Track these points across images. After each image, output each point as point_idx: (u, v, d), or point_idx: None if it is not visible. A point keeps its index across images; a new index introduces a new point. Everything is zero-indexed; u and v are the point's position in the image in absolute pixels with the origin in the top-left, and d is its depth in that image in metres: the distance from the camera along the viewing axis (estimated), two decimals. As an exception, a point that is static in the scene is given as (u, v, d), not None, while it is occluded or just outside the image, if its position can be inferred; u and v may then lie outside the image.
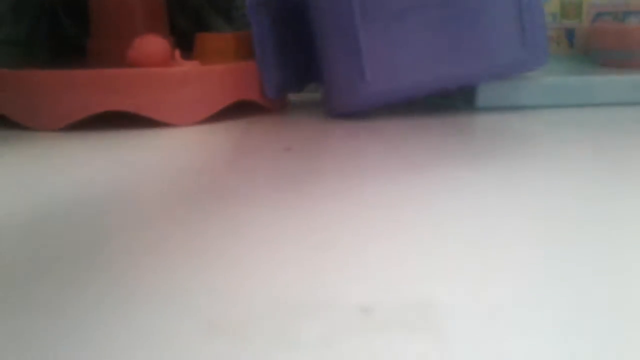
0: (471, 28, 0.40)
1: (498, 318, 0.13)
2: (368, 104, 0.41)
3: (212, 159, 0.30)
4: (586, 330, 0.12)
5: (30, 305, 0.14)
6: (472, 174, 0.25)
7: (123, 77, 0.37)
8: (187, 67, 0.39)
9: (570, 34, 0.54)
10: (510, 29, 0.40)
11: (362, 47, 0.39)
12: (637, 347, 0.12)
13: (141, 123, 0.38)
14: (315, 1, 0.40)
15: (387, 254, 0.17)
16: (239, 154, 0.31)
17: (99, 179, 0.26)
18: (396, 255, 0.17)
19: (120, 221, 0.20)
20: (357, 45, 0.39)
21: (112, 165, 0.29)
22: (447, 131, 0.36)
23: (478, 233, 0.18)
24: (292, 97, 0.51)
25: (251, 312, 0.13)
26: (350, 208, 0.21)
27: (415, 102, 0.47)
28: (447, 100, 0.47)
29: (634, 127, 0.35)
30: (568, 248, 0.17)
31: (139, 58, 0.38)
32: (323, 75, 0.42)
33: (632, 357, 0.11)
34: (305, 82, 0.47)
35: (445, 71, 0.40)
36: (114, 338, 0.12)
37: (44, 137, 0.36)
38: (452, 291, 0.14)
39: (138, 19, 0.47)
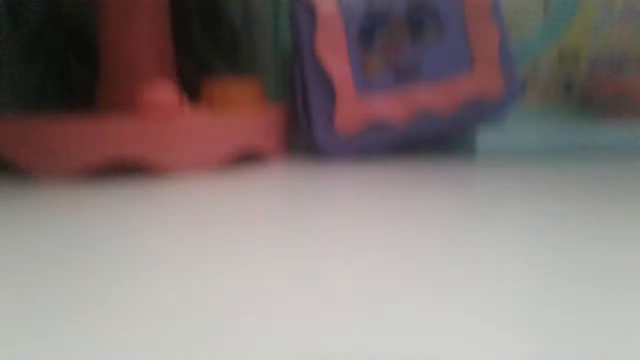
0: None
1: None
2: (343, 153, 0.44)
3: (217, 208, 0.30)
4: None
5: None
6: (468, 226, 0.26)
7: (131, 125, 0.38)
8: (194, 115, 0.40)
9: (568, 83, 0.55)
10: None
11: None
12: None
13: (146, 170, 0.39)
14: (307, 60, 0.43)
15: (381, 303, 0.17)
16: (243, 202, 0.32)
17: (104, 227, 0.26)
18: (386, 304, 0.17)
19: (119, 271, 0.21)
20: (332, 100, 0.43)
21: (118, 213, 0.29)
22: (445, 176, 0.36)
23: (476, 287, 0.19)
24: (294, 140, 0.51)
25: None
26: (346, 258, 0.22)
27: (418, 146, 0.48)
28: (448, 144, 0.48)
29: (631, 173, 0.36)
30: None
31: (148, 104, 0.39)
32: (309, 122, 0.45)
33: None
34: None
35: (422, 121, 0.43)
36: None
37: (50, 184, 0.36)
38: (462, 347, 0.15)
39: (147, 65, 0.48)
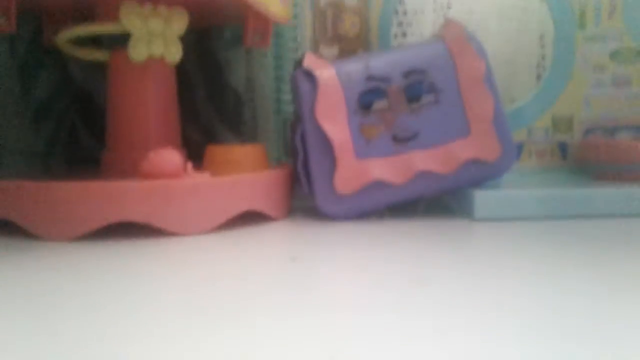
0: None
1: None
2: (343, 214, 0.46)
3: (218, 267, 0.31)
4: None
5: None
6: (465, 284, 0.26)
7: (136, 189, 0.39)
8: (198, 179, 0.41)
9: (562, 147, 0.56)
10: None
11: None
12: None
13: (150, 232, 0.39)
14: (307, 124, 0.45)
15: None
16: (246, 264, 0.32)
17: (109, 288, 0.27)
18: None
19: (127, 332, 0.21)
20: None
21: (123, 275, 0.30)
22: (443, 239, 0.37)
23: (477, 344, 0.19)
24: (295, 203, 0.52)
25: None
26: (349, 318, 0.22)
27: (415, 208, 0.49)
28: (447, 208, 0.49)
29: (628, 239, 0.36)
30: None
31: (153, 171, 0.40)
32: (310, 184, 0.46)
33: None
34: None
35: (420, 182, 0.44)
36: None
37: (55, 247, 0.37)
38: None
39: (153, 132, 0.49)
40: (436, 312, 0.23)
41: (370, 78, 0.46)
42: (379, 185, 0.45)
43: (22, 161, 0.58)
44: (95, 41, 0.54)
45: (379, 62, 0.46)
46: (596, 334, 0.20)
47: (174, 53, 0.48)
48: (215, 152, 0.49)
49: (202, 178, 0.41)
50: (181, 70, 0.53)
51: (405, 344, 0.20)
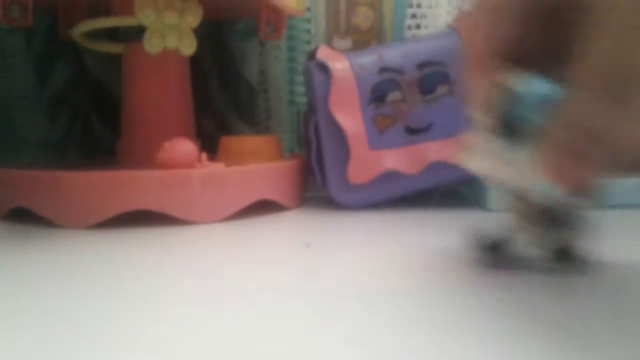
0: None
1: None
2: (356, 204, 0.46)
3: (232, 255, 0.31)
4: None
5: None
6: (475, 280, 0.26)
7: (151, 178, 0.39)
8: (212, 169, 0.41)
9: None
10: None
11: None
12: None
13: (165, 221, 0.40)
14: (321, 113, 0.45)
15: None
16: (260, 250, 0.32)
17: (124, 274, 0.27)
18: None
19: (141, 317, 0.21)
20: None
21: (136, 261, 0.30)
22: (455, 229, 0.37)
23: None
24: (308, 194, 0.52)
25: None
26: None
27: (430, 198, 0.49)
28: (462, 198, 0.49)
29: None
30: None
31: (168, 160, 0.40)
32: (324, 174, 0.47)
33: None
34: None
35: (433, 173, 0.45)
36: None
37: (72, 234, 0.37)
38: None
39: (167, 123, 0.49)
40: (448, 298, 0.23)
41: (384, 70, 0.46)
42: (392, 175, 0.45)
43: (39, 152, 0.58)
44: (110, 34, 0.54)
45: (393, 54, 0.46)
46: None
47: (189, 45, 0.49)
48: (229, 143, 0.49)
49: (216, 168, 0.42)
50: (195, 62, 0.53)
51: (418, 329, 0.20)
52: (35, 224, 0.40)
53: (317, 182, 0.47)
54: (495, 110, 0.23)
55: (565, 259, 0.26)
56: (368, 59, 0.46)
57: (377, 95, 0.46)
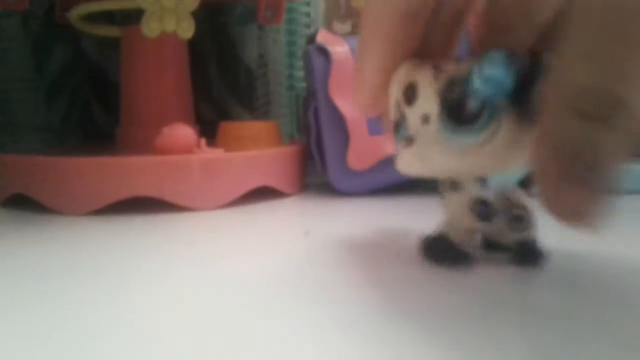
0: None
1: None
2: (356, 190, 0.46)
3: (231, 241, 0.31)
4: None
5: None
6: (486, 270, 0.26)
7: (150, 164, 0.39)
8: (211, 155, 0.41)
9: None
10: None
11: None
12: None
13: (164, 207, 0.39)
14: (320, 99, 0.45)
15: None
16: (260, 238, 0.32)
17: (122, 261, 0.27)
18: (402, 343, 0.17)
19: (140, 303, 0.21)
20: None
21: (135, 248, 0.30)
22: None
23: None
24: (308, 180, 0.52)
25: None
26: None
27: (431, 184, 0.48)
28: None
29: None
30: None
31: (167, 146, 0.40)
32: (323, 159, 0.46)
33: None
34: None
35: None
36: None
37: (71, 221, 0.37)
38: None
39: (166, 108, 0.49)
40: (448, 286, 0.23)
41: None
42: (393, 161, 0.44)
43: (37, 137, 0.58)
44: (108, 17, 0.53)
45: (393, 38, 0.46)
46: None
47: (187, 29, 0.48)
48: (229, 129, 0.49)
49: (215, 154, 0.41)
50: (194, 46, 0.52)
51: (418, 317, 0.20)
52: (33, 210, 0.40)
53: (317, 168, 0.47)
54: (441, 99, 0.22)
55: (501, 251, 0.26)
56: (368, 43, 0.46)
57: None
